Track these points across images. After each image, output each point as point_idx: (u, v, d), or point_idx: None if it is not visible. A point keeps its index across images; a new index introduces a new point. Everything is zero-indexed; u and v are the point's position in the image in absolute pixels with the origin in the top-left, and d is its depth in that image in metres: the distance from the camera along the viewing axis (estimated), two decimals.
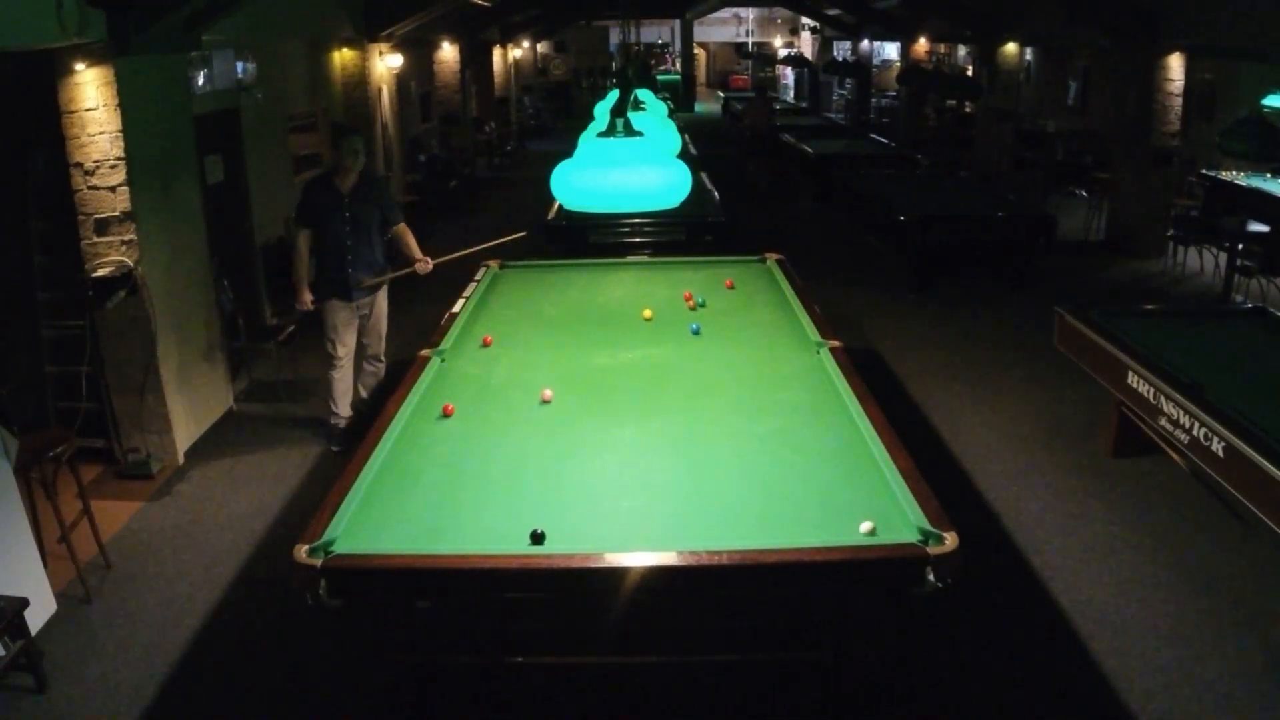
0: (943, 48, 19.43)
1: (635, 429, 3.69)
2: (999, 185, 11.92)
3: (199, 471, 5.50)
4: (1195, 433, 4.15)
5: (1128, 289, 9.04)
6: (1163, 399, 4.43)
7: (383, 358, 5.92)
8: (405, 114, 12.34)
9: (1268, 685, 3.61)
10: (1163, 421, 4.45)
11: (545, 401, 3.91)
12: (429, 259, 5.75)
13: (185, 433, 5.69)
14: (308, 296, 5.58)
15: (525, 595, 2.87)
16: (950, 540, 2.76)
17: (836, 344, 4.43)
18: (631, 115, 3.34)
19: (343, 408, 5.73)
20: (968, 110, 16.88)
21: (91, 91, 4.99)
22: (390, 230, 5.70)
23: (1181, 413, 4.26)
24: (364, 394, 5.94)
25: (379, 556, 2.82)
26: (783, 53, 31.64)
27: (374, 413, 3.90)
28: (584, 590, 2.81)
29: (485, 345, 4.65)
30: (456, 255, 5.88)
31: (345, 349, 5.63)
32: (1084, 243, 10.83)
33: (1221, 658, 3.76)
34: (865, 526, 2.84)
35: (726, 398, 3.97)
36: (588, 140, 3.31)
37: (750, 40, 36.03)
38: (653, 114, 4.45)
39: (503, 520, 3.00)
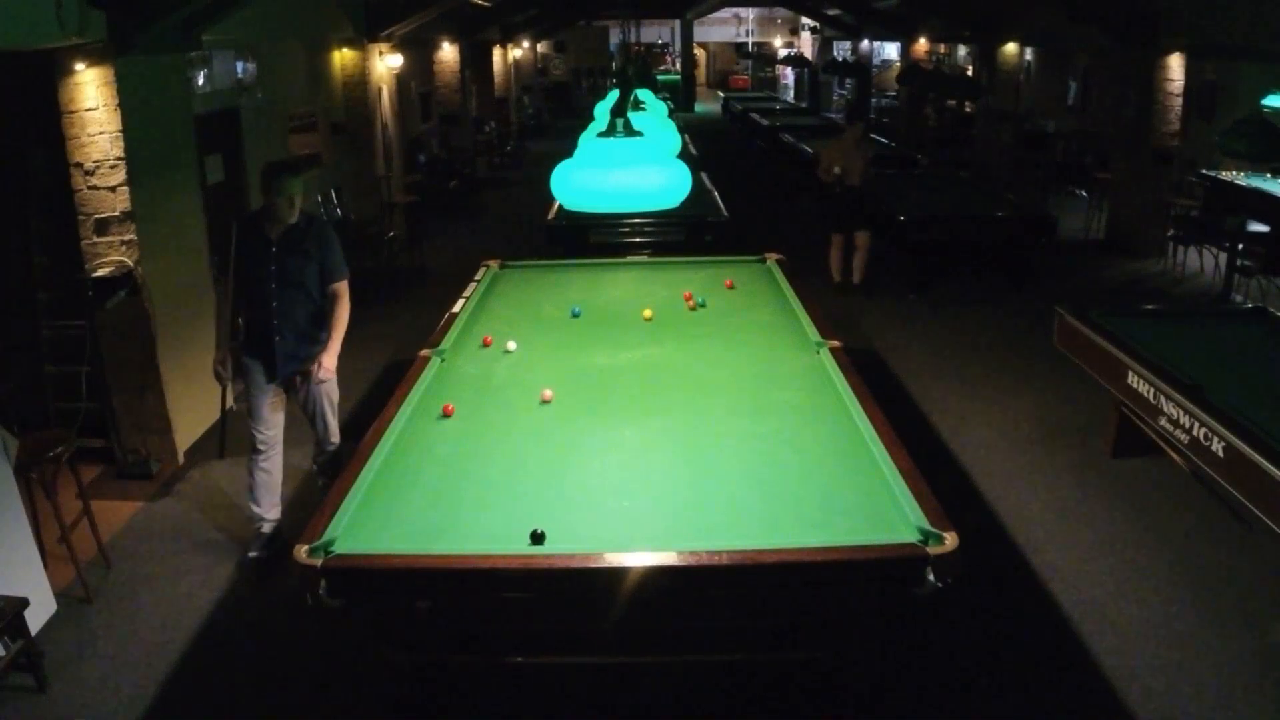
0: (943, 48, 19.44)
1: (635, 429, 3.69)
2: (999, 185, 11.91)
3: (199, 471, 5.50)
4: (1195, 433, 4.15)
5: (1128, 289, 9.04)
6: (1163, 399, 4.43)
7: (336, 438, 4.80)
8: (405, 114, 12.33)
9: (1267, 685, 3.61)
10: (1163, 421, 4.45)
11: (545, 401, 3.91)
12: (331, 363, 4.50)
13: (185, 433, 5.68)
14: (222, 357, 4.51)
15: (525, 595, 2.87)
16: (950, 540, 2.76)
17: (836, 344, 4.43)
18: (631, 115, 3.34)
19: (266, 508, 4.50)
20: (968, 110, 16.88)
21: (91, 91, 4.99)
22: (329, 289, 4.50)
23: (1181, 413, 4.26)
24: (315, 467, 5.03)
25: (379, 556, 2.82)
26: (783, 53, 31.67)
27: (372, 416, 3.89)
28: (584, 590, 2.81)
29: (485, 345, 4.65)
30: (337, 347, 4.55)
31: (269, 435, 4.49)
32: (1084, 243, 10.83)
33: (1221, 658, 3.76)
34: None
35: (726, 398, 3.97)
36: (588, 140, 3.31)
37: (750, 40, 36.05)
38: (653, 114, 4.45)
39: (503, 520, 3.00)
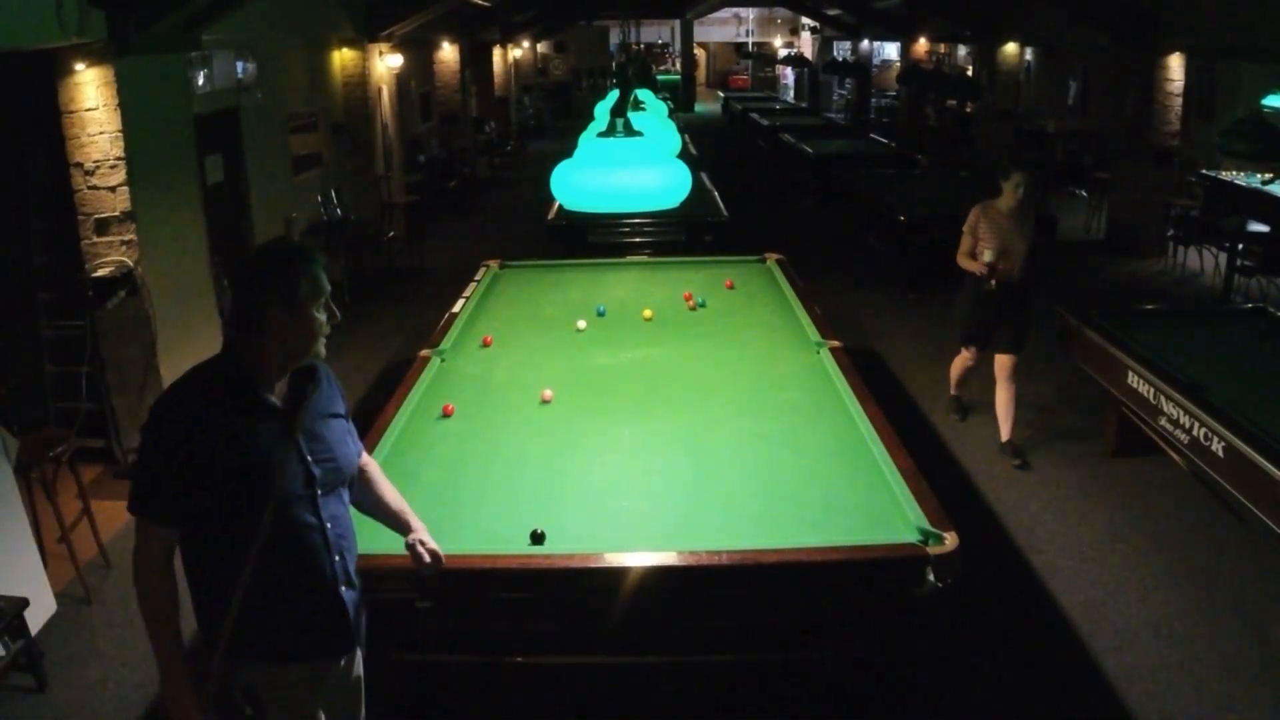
0: (943, 48, 19.43)
1: (635, 429, 3.69)
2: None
3: None
4: (1195, 433, 4.15)
5: (1128, 289, 9.03)
6: (1163, 399, 4.43)
7: None
8: (405, 114, 12.33)
9: (1267, 685, 3.61)
10: (1163, 422, 4.44)
11: (545, 401, 3.91)
12: (429, 540, 2.49)
13: None
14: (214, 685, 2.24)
15: (525, 595, 2.87)
16: (950, 540, 2.76)
17: (836, 344, 4.43)
18: (631, 115, 3.34)
19: None
20: (968, 110, 16.87)
21: (91, 91, 4.99)
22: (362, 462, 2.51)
23: (1181, 413, 4.26)
24: None
25: (379, 556, 2.81)
26: (783, 53, 31.68)
27: (372, 416, 3.88)
28: (584, 590, 2.81)
29: (485, 345, 4.65)
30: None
31: None
32: (1084, 243, 10.83)
33: (1221, 657, 3.76)
34: None
35: (726, 398, 3.97)
36: (588, 140, 3.31)
37: (750, 40, 36.05)
38: (653, 114, 4.45)
39: (503, 520, 3.00)
